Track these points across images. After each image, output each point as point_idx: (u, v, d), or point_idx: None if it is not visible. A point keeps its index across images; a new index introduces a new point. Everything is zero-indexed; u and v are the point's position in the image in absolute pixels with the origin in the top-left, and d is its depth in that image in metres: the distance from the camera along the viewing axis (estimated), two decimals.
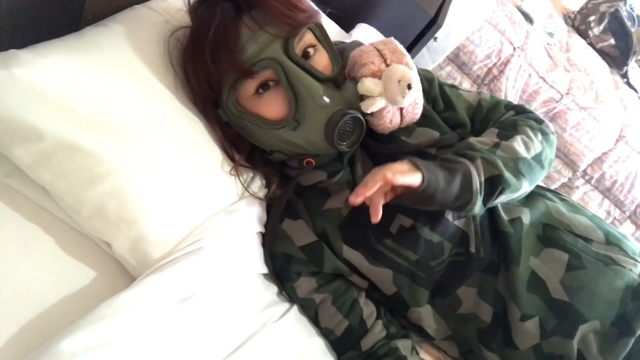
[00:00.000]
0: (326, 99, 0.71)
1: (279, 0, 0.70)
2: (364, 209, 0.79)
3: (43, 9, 0.74)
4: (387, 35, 1.35)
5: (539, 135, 0.82)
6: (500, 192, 0.73)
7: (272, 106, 0.74)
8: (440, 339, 0.83)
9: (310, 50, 0.74)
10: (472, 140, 0.78)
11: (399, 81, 0.72)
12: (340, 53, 0.93)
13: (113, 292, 0.59)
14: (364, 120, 0.74)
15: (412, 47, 1.57)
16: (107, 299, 0.58)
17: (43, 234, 0.66)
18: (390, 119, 0.77)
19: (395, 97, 0.73)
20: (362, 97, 0.76)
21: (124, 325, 0.56)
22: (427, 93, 0.88)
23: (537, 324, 0.74)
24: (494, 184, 0.72)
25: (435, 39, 1.68)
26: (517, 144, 0.78)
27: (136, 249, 0.66)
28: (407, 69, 0.74)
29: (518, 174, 0.74)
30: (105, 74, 0.68)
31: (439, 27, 1.50)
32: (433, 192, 0.68)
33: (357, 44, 0.97)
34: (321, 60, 0.75)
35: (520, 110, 0.90)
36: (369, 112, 0.75)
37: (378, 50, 0.78)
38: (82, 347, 0.52)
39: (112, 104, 0.66)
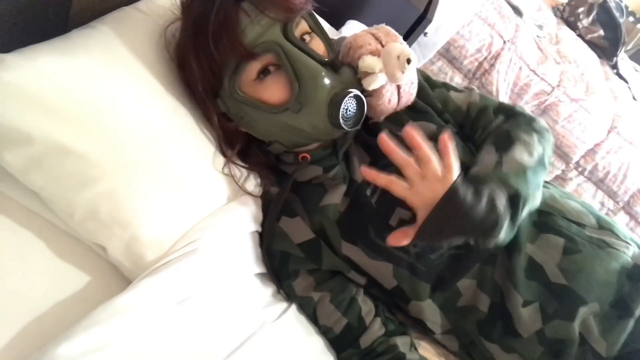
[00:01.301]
0: (327, 80, 0.72)
1: None
2: (361, 204, 0.79)
3: (29, 12, 0.74)
4: None
5: (535, 136, 0.81)
6: (523, 209, 0.69)
7: (274, 90, 0.74)
8: (440, 333, 0.83)
9: (306, 37, 0.76)
10: (473, 170, 0.75)
11: (399, 57, 0.74)
12: None
13: (109, 296, 0.59)
14: (364, 99, 0.75)
15: None
16: (102, 302, 0.58)
17: (36, 239, 0.65)
18: (389, 99, 0.79)
19: (395, 73, 0.75)
20: (359, 80, 0.77)
21: (120, 329, 0.56)
22: (425, 91, 0.90)
23: (538, 309, 0.75)
24: (515, 203, 0.68)
25: (426, 34, 1.68)
26: (519, 152, 0.76)
27: (131, 251, 0.65)
28: (405, 45, 0.77)
29: (531, 190, 0.71)
30: (93, 75, 0.67)
31: (429, 22, 1.51)
32: (458, 205, 0.63)
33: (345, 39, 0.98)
34: (318, 47, 0.76)
35: (510, 114, 0.88)
36: (370, 88, 0.76)
37: (372, 33, 0.80)
38: (79, 351, 0.52)
39: (102, 106, 0.66)
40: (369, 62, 0.76)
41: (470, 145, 0.86)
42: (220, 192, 0.78)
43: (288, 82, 0.73)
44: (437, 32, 1.88)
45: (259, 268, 0.80)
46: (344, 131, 0.76)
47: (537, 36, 2.45)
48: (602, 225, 0.83)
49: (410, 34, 1.55)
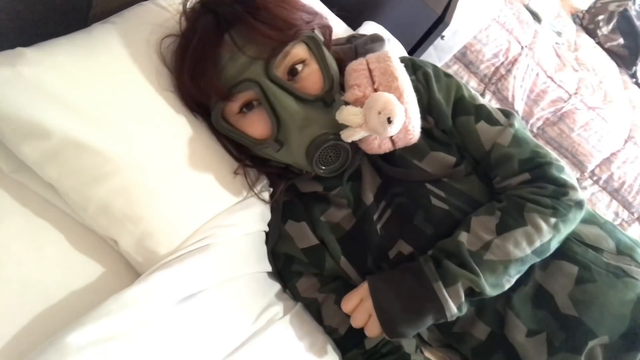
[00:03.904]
0: (307, 123, 0.69)
1: (262, 17, 0.67)
2: (367, 228, 0.77)
3: (50, 5, 0.75)
4: (394, 33, 1.35)
5: (551, 220, 0.71)
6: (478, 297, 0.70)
7: (256, 126, 0.72)
8: (437, 347, 0.83)
9: (299, 66, 0.71)
10: (462, 240, 0.71)
11: (380, 112, 0.67)
12: (354, 51, 0.88)
13: (119, 288, 0.59)
14: (348, 147, 0.72)
15: (419, 45, 1.57)
16: (113, 294, 0.58)
17: (51, 229, 0.66)
18: (379, 145, 0.74)
19: (376, 129, 0.68)
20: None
21: (130, 321, 0.57)
22: (444, 119, 0.81)
23: (545, 339, 0.73)
24: (474, 295, 0.69)
25: (443, 37, 1.68)
26: (514, 242, 0.70)
27: (142, 247, 0.66)
28: (391, 98, 0.68)
29: (505, 281, 0.70)
30: (112, 72, 0.68)
31: (446, 25, 1.50)
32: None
33: (375, 37, 0.91)
34: (310, 77, 0.72)
35: (538, 175, 0.75)
36: (349, 141, 0.70)
37: (370, 69, 0.73)
38: (88, 341, 0.53)
39: (119, 102, 0.67)
40: (344, 116, 0.69)
41: (485, 184, 0.79)
42: (233, 191, 0.78)
43: (269, 120, 0.71)
44: (454, 35, 1.87)
45: (267, 267, 0.81)
46: (323, 175, 0.73)
47: (556, 43, 2.43)
48: (622, 250, 0.78)
49: (427, 37, 1.54)
